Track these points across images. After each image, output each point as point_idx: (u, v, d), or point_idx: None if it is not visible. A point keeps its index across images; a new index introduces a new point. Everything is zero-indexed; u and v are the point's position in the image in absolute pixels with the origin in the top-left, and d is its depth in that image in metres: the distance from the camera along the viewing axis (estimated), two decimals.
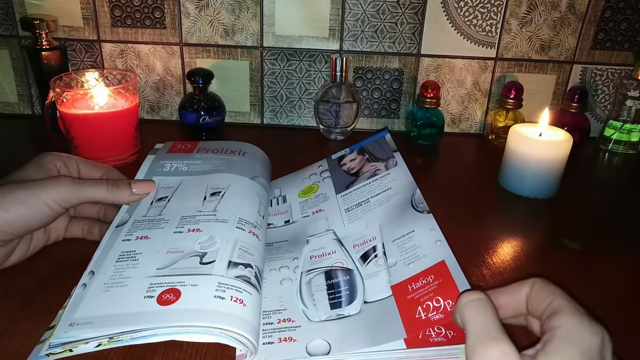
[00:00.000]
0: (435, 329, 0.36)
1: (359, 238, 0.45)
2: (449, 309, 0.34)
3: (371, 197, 0.49)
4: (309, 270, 0.43)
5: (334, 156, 0.58)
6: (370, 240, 0.44)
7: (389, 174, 0.51)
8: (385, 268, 0.41)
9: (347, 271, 0.42)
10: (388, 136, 0.56)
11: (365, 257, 0.43)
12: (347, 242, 0.45)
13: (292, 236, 0.48)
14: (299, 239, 0.47)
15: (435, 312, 0.34)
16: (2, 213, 0.38)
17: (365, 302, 0.38)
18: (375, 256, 0.42)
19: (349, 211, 0.49)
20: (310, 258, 0.44)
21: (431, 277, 0.37)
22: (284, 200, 0.54)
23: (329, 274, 0.42)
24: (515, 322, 0.33)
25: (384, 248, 0.43)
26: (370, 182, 0.51)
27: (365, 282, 0.40)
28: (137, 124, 0.66)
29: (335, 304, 0.39)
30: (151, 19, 0.75)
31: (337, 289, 0.40)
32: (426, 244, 0.41)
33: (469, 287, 0.34)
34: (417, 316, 0.35)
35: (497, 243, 0.51)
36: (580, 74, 0.80)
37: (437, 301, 0.35)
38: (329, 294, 0.40)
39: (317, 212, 0.51)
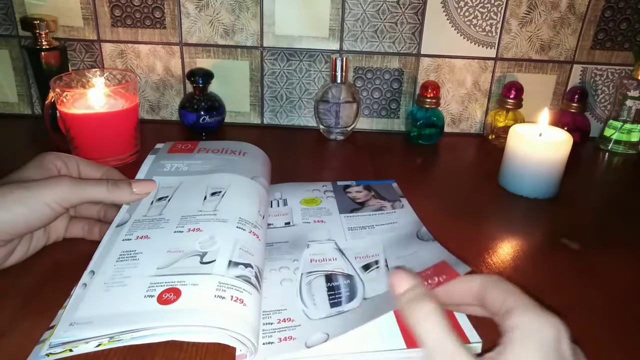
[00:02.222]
0: (429, 281, 0.36)
1: (361, 252, 0.45)
2: (441, 280, 0.34)
3: (376, 225, 0.50)
4: (310, 273, 0.43)
5: (339, 182, 0.59)
6: (372, 256, 0.45)
7: (395, 212, 0.52)
8: (387, 275, 0.41)
9: (348, 276, 0.42)
10: (395, 184, 0.58)
11: (366, 267, 0.43)
12: (348, 253, 0.45)
13: (292, 238, 0.48)
14: (300, 242, 0.47)
15: (428, 286, 0.34)
16: (2, 213, 0.38)
17: (364, 298, 0.39)
18: (377, 267, 0.43)
19: (352, 230, 0.49)
20: (311, 261, 0.44)
21: (430, 271, 0.37)
22: (285, 204, 0.54)
23: (329, 277, 0.42)
24: (466, 310, 0.34)
25: (386, 262, 0.43)
26: (376, 214, 0.52)
27: (366, 285, 0.40)
28: (137, 124, 0.66)
29: (335, 303, 0.39)
30: (151, 19, 0.75)
31: (338, 291, 0.40)
32: (429, 257, 0.42)
33: (459, 260, 0.34)
34: None
35: (497, 243, 0.51)
36: (580, 74, 0.80)
37: (432, 279, 0.34)
38: (329, 295, 0.40)
39: (318, 221, 0.51)
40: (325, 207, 0.53)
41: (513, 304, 0.28)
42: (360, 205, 0.54)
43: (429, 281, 0.36)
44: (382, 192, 0.57)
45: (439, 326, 0.28)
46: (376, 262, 0.44)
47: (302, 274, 0.42)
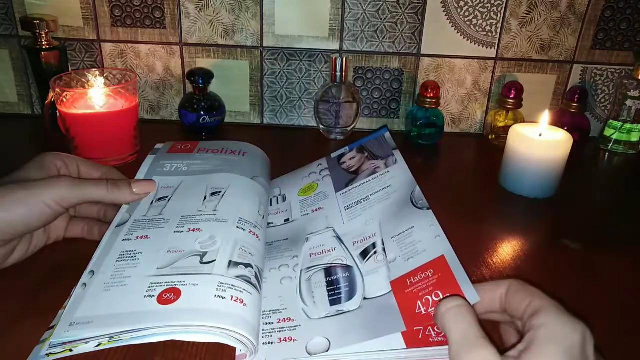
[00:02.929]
0: (436, 328, 0.36)
1: (358, 235, 0.45)
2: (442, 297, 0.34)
3: (371, 195, 0.49)
4: (309, 268, 0.43)
5: (333, 155, 0.59)
6: (369, 237, 0.44)
7: (388, 171, 0.51)
8: (385, 264, 0.41)
9: (347, 268, 0.42)
10: (387, 134, 0.57)
11: (365, 254, 0.43)
12: (346, 239, 0.45)
13: (291, 234, 0.48)
14: (299, 237, 0.47)
15: (435, 307, 0.34)
16: (2, 213, 0.38)
17: (365, 298, 0.38)
18: (375, 252, 0.42)
19: (348, 209, 0.49)
20: (310, 256, 0.44)
21: (430, 272, 0.37)
22: (284, 199, 0.54)
23: (329, 271, 0.42)
24: (488, 317, 0.34)
25: (383, 244, 0.43)
26: (370, 180, 0.51)
27: (365, 279, 0.40)
28: (137, 124, 0.66)
29: (334, 300, 0.38)
30: (151, 19, 0.75)
31: (337, 285, 0.40)
32: (425, 239, 0.41)
33: (469, 282, 0.34)
34: (417, 311, 0.35)
35: (497, 243, 0.51)
36: (580, 74, 0.80)
37: (437, 295, 0.35)
38: (328, 291, 0.39)
39: (316, 210, 0.51)
40: (322, 191, 0.53)
41: (540, 305, 0.29)
42: (354, 175, 0.54)
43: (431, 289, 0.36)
44: (375, 150, 0.56)
45: (465, 320, 0.29)
46: (373, 245, 0.43)
47: (301, 270, 0.42)
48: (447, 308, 0.30)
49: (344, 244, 0.45)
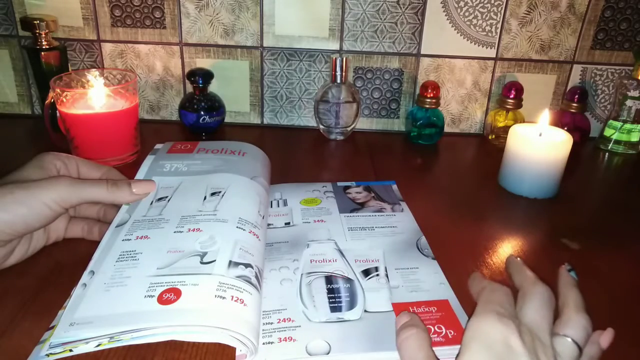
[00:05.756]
0: (436, 327, 0.36)
1: (361, 255, 0.46)
2: (450, 337, 0.35)
3: (376, 227, 0.50)
4: (310, 273, 0.43)
5: (339, 183, 0.59)
6: (372, 261, 0.45)
7: (395, 215, 0.52)
8: (387, 287, 0.41)
9: (348, 280, 0.42)
10: (395, 186, 0.59)
11: (366, 273, 0.43)
12: (348, 255, 0.46)
13: (292, 238, 0.48)
14: (300, 242, 0.47)
15: (436, 335, 0.36)
16: (1, 213, 0.38)
17: (365, 310, 0.39)
18: (377, 275, 0.43)
19: (352, 230, 0.49)
20: (311, 262, 0.44)
21: (434, 309, 0.38)
22: (285, 204, 0.54)
23: (330, 279, 0.42)
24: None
25: (386, 271, 0.43)
26: (376, 215, 0.52)
27: (366, 294, 0.40)
28: (137, 124, 0.66)
29: (335, 308, 0.39)
30: (151, 19, 0.75)
31: (338, 294, 0.40)
32: (430, 282, 0.42)
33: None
34: None
35: (497, 243, 0.51)
36: (580, 74, 0.80)
37: (440, 328, 0.36)
38: (329, 298, 0.40)
39: (318, 221, 0.51)
40: (326, 207, 0.54)
41: (475, 311, 0.31)
42: (360, 206, 0.54)
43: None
44: (381, 194, 0.57)
45: (423, 347, 0.31)
46: (376, 268, 0.44)
47: (302, 274, 0.42)
48: (405, 336, 0.32)
49: (345, 258, 0.45)
